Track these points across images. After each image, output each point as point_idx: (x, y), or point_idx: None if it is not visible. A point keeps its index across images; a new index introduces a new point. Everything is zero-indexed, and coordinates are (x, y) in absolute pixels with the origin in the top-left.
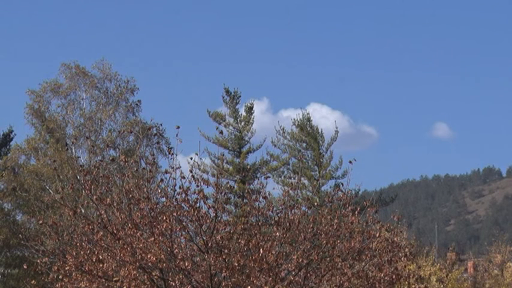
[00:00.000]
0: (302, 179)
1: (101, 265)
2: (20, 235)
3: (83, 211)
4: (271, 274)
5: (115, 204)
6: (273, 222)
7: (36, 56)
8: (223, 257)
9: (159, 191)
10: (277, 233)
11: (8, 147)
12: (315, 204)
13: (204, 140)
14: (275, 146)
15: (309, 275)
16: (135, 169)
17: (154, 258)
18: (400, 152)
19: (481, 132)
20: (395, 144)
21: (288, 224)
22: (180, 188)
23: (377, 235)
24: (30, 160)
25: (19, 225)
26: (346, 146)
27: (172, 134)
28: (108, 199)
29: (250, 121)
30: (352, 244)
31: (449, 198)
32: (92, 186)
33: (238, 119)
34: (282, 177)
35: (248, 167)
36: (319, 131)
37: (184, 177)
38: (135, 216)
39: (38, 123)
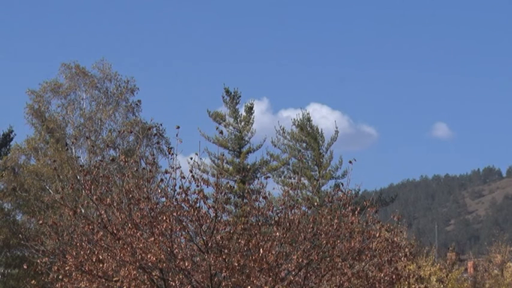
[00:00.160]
0: (302, 179)
1: (101, 265)
2: (20, 235)
3: (83, 211)
4: (271, 274)
5: (115, 204)
6: (273, 222)
7: (36, 56)
8: (223, 257)
9: (159, 191)
10: (277, 233)
11: (8, 147)
12: (315, 204)
13: (204, 140)
14: (275, 146)
15: (309, 275)
16: (135, 169)
17: (154, 258)
18: (400, 152)
19: (481, 132)
20: (395, 144)
21: (288, 224)
22: (180, 188)
23: (377, 235)
24: (30, 160)
25: (19, 225)
26: (346, 146)
27: (172, 134)
28: (108, 199)
29: (250, 121)
30: (352, 244)
31: (449, 198)
32: (92, 186)
33: (238, 119)
34: (282, 177)
35: (248, 167)
36: (319, 131)
37: (184, 177)
38: (135, 216)
39: (38, 123)
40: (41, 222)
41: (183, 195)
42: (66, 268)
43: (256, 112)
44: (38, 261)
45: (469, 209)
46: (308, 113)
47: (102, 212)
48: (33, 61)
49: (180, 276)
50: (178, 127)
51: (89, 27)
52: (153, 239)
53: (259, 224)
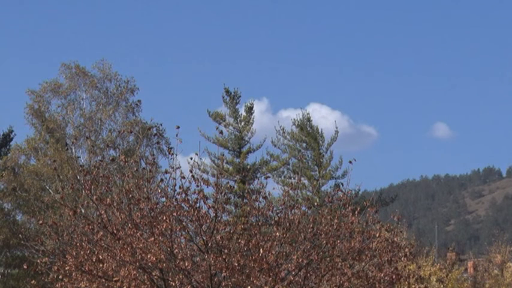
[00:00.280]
0: (302, 179)
1: (101, 265)
2: (20, 235)
3: (83, 211)
4: (271, 274)
5: (115, 204)
6: (273, 222)
7: (36, 56)
8: (223, 257)
9: (159, 191)
10: (277, 233)
11: (8, 147)
12: (315, 204)
13: (204, 140)
14: (275, 146)
15: (309, 275)
16: (135, 169)
17: (154, 258)
18: (400, 152)
19: (481, 132)
20: (395, 144)
21: (288, 224)
22: (180, 188)
23: (377, 235)
24: (30, 160)
25: (19, 225)
26: (346, 146)
27: (172, 134)
28: (108, 199)
29: (250, 121)
30: (352, 244)
31: (449, 198)
32: (92, 186)
33: (238, 119)
34: (282, 177)
35: (248, 167)
36: (319, 131)
37: (184, 177)
38: (135, 216)
39: (38, 123)
40: (41, 222)
41: (183, 195)
42: (66, 268)
43: (256, 112)
44: (38, 261)
45: (469, 209)
46: (308, 113)
47: (102, 212)
48: (33, 61)
49: (180, 276)
50: (178, 127)
51: (89, 27)
52: (153, 239)
53: (259, 224)
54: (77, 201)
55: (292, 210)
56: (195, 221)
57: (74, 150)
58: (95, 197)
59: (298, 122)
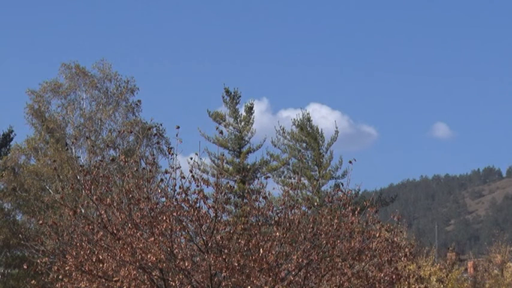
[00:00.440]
0: (302, 179)
1: (101, 265)
2: (20, 235)
3: (83, 211)
4: (271, 274)
5: (115, 204)
6: (273, 222)
7: (36, 56)
8: (223, 257)
9: (159, 191)
10: (277, 233)
11: (8, 147)
12: (315, 204)
13: (204, 140)
14: (275, 146)
15: (309, 275)
16: (135, 169)
17: (154, 258)
18: (400, 152)
19: (481, 132)
20: (395, 144)
21: (288, 224)
22: (180, 188)
23: (377, 235)
24: (30, 160)
25: (19, 225)
26: (346, 146)
27: (172, 134)
28: (108, 199)
29: (250, 121)
30: (352, 244)
31: (449, 198)
32: (92, 186)
33: (238, 119)
34: (282, 177)
35: (248, 167)
36: (319, 131)
37: (184, 177)
38: (135, 216)
39: (38, 123)
40: (41, 222)
41: (183, 195)
42: (66, 268)
43: (256, 112)
44: (38, 261)
45: (469, 209)
46: (308, 113)
47: (102, 212)
48: (33, 61)
49: (180, 276)
50: (178, 127)
51: (89, 27)
52: (153, 239)
53: (259, 224)
54: (77, 201)
55: (292, 210)
56: (195, 221)
57: (74, 150)
58: (95, 197)
59: (298, 122)
